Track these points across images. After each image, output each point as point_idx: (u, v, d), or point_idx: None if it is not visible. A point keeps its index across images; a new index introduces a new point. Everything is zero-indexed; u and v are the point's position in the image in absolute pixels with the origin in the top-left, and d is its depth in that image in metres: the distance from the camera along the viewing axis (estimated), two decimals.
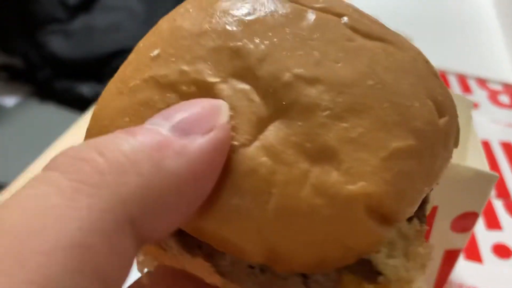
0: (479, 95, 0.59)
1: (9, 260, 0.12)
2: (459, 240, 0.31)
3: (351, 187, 0.16)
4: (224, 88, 0.18)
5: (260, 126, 0.17)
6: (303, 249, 0.16)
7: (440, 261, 0.32)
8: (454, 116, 0.19)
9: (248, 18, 0.19)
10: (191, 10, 0.20)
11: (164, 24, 0.20)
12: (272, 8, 0.19)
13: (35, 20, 1.38)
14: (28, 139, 1.17)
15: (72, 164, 0.14)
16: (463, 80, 0.62)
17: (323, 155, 0.16)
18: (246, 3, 0.19)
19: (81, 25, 1.39)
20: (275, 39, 0.18)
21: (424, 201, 0.20)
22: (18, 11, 1.36)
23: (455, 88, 0.60)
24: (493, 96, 0.59)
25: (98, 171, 0.14)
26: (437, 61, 0.64)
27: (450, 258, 0.32)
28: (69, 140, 0.55)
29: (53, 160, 0.14)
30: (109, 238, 0.13)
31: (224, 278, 0.19)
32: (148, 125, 0.16)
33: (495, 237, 0.40)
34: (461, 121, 0.19)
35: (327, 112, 0.17)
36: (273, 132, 0.17)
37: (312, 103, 0.17)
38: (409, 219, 0.19)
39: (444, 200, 0.28)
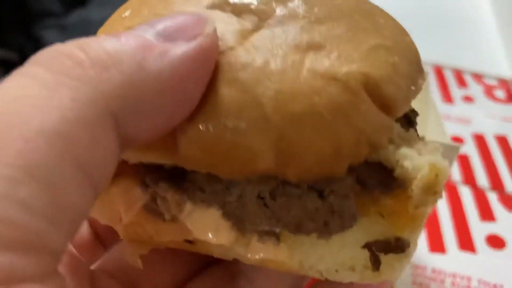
0: (474, 89, 0.59)
1: None
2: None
3: (346, 68, 0.17)
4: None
5: (244, 35, 0.17)
6: (314, 132, 0.16)
7: None
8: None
9: None
10: None
11: None
12: None
13: (30, 14, 1.38)
14: None
15: (55, 58, 0.14)
16: (459, 75, 0.62)
17: (311, 48, 0.17)
18: None
19: (77, 19, 1.38)
20: None
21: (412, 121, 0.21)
22: (14, 5, 1.36)
23: (451, 82, 0.60)
24: (489, 91, 0.59)
25: (81, 66, 0.14)
26: (434, 56, 0.65)
27: None
28: None
29: (36, 55, 0.14)
30: (91, 129, 0.13)
31: (234, 222, 0.18)
32: (133, 31, 0.16)
33: (489, 228, 0.40)
34: (419, 97, 0.20)
35: (306, 19, 0.18)
36: (259, 38, 0.17)
37: (290, 14, 0.18)
38: (406, 128, 0.19)
39: None
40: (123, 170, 0.19)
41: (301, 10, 0.18)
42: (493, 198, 0.43)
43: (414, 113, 0.21)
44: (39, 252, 0.12)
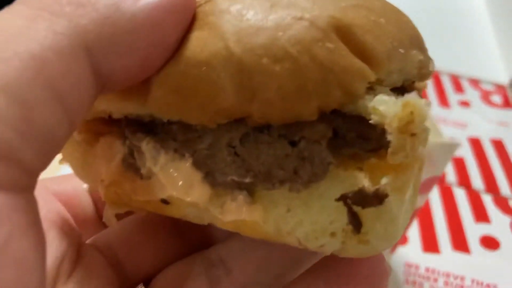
0: (471, 94, 0.60)
1: None
2: (421, 201, 0.33)
3: (316, 12, 0.17)
4: None
5: None
6: (272, 62, 0.16)
7: None
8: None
9: None
10: None
11: None
12: None
13: None
14: None
15: None
16: (456, 80, 0.62)
17: (286, 2, 0.17)
18: None
19: None
20: None
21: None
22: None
23: (447, 87, 0.61)
24: (485, 96, 0.59)
25: (58, 3, 0.15)
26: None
27: (411, 216, 0.34)
28: None
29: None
30: (65, 57, 0.14)
31: (204, 173, 0.18)
32: None
33: (484, 229, 0.41)
34: None
35: None
36: None
37: None
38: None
39: None
40: (106, 132, 0.20)
41: None
42: (488, 200, 0.43)
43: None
44: (9, 162, 0.12)
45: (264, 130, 0.18)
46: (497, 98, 0.59)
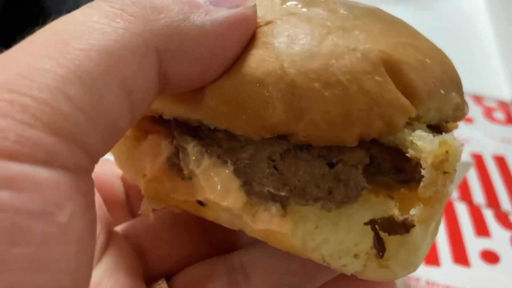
0: (474, 111, 0.61)
1: (55, 50, 0.14)
2: None
3: (369, 45, 0.18)
4: None
5: (283, 14, 0.19)
6: (324, 88, 0.17)
7: None
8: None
9: None
10: None
11: None
12: None
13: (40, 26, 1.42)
14: None
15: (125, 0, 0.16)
16: None
17: (342, 30, 0.18)
18: None
19: None
20: None
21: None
22: (30, 25, 1.40)
23: None
24: (488, 113, 0.60)
25: (137, 5, 0.16)
26: None
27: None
28: None
29: None
30: (138, 56, 0.15)
31: (243, 182, 0.19)
32: None
33: (484, 243, 0.41)
34: None
35: (345, 14, 0.19)
36: (296, 17, 0.19)
37: (331, 8, 0.20)
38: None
39: None
40: (153, 129, 0.21)
41: (342, 8, 0.20)
42: (488, 215, 0.44)
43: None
44: (76, 143, 0.14)
45: (304, 149, 0.19)
46: (500, 115, 0.60)
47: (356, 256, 0.19)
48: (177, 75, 0.17)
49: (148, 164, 0.21)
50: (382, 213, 0.19)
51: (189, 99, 0.19)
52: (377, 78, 0.17)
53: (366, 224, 0.18)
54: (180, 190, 0.20)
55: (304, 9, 0.20)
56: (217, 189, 0.19)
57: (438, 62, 0.20)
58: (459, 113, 0.21)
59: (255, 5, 0.19)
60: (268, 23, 0.19)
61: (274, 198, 0.19)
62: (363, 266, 0.19)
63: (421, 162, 0.17)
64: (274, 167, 0.19)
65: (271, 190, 0.19)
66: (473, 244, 0.41)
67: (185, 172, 0.20)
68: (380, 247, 0.18)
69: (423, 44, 0.20)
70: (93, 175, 0.26)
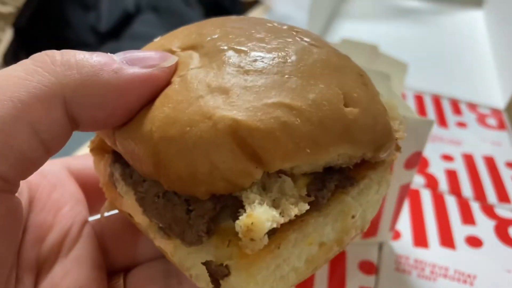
0: (468, 117, 0.65)
1: None
2: (409, 176, 0.38)
3: (226, 113, 0.19)
4: (180, 53, 0.24)
5: (185, 70, 0.22)
6: (176, 155, 0.20)
7: (397, 194, 0.38)
8: (367, 114, 0.21)
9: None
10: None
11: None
12: (252, 31, 0.24)
13: (67, 45, 1.48)
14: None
15: (40, 56, 0.20)
16: (455, 104, 0.68)
17: (219, 91, 0.20)
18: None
19: (109, 50, 1.47)
20: (232, 35, 0.23)
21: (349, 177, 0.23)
22: (53, 36, 1.45)
23: (447, 110, 0.66)
24: (481, 119, 0.65)
25: (53, 64, 0.20)
26: (432, 86, 0.71)
27: (403, 192, 0.39)
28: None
29: (34, 55, 0.21)
30: (45, 104, 0.19)
31: (142, 209, 0.23)
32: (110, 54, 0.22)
33: (469, 230, 0.45)
34: (396, 80, 0.24)
35: (239, 69, 0.21)
36: (194, 74, 0.22)
37: (231, 61, 0.22)
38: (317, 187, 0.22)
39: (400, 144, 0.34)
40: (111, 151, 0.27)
41: (242, 60, 0.22)
42: (475, 206, 0.49)
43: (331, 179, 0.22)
44: None
45: (176, 193, 0.22)
46: (492, 121, 0.64)
47: (205, 280, 0.22)
48: (84, 118, 0.21)
49: (101, 177, 0.27)
50: (217, 256, 0.21)
51: (105, 137, 0.24)
52: (220, 147, 0.19)
53: (203, 264, 0.21)
54: (118, 201, 0.25)
55: (210, 62, 0.22)
56: (131, 209, 0.24)
57: (320, 117, 0.20)
58: (371, 154, 0.22)
59: (170, 67, 0.22)
60: (180, 81, 0.22)
61: (164, 230, 0.23)
62: (205, 284, 0.22)
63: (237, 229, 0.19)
64: (156, 202, 0.22)
65: (155, 221, 0.22)
66: (459, 231, 0.45)
67: (118, 190, 0.25)
68: (215, 282, 0.21)
69: (308, 97, 0.20)
70: (79, 169, 0.30)
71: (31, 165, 0.20)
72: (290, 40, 0.23)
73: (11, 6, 1.12)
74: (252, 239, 0.19)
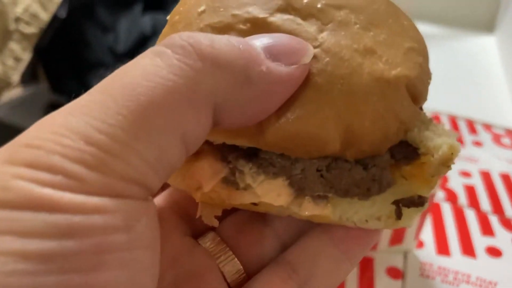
0: (484, 136, 0.68)
1: (126, 107, 0.16)
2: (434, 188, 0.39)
3: (394, 72, 0.21)
4: (274, 19, 0.21)
5: (314, 38, 0.21)
6: (372, 124, 0.20)
7: None
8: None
9: None
10: None
11: None
12: None
13: (85, 64, 1.51)
14: None
15: (183, 47, 0.17)
16: (470, 124, 0.71)
17: (367, 52, 0.21)
18: None
19: None
20: None
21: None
22: (71, 56, 1.48)
23: (463, 129, 0.69)
24: (497, 138, 0.67)
25: (202, 60, 0.17)
26: (449, 107, 0.74)
27: (429, 201, 0.40)
28: None
29: (170, 38, 0.18)
30: (197, 112, 0.17)
31: (295, 189, 0.22)
32: (248, 39, 0.19)
33: (489, 241, 0.48)
34: None
35: (357, 26, 0.22)
36: (326, 41, 0.21)
37: (345, 20, 0.21)
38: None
39: None
40: (204, 149, 0.23)
41: (351, 17, 0.22)
42: (494, 220, 0.51)
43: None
44: (141, 186, 0.16)
45: (344, 159, 0.22)
46: (507, 140, 0.67)
47: (378, 218, 0.23)
48: (227, 123, 0.19)
49: (205, 180, 0.23)
50: (401, 193, 0.23)
51: (246, 133, 0.21)
52: (404, 103, 0.21)
53: (392, 204, 0.23)
54: (236, 197, 0.23)
55: (324, 25, 0.21)
56: (271, 195, 0.22)
57: (424, 51, 0.23)
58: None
59: (309, 62, 0.20)
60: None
61: (320, 196, 0.22)
62: (383, 224, 0.23)
63: (433, 160, 0.21)
64: (321, 176, 0.22)
65: (321, 193, 0.22)
66: (479, 241, 0.47)
67: (241, 185, 0.22)
68: (399, 215, 0.23)
69: (412, 35, 0.23)
70: None
71: (173, 172, 0.18)
72: None
73: (34, 27, 1.16)
74: (448, 166, 0.21)
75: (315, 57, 0.20)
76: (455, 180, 0.57)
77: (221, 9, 0.21)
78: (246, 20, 0.21)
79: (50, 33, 1.21)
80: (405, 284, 0.42)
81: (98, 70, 1.52)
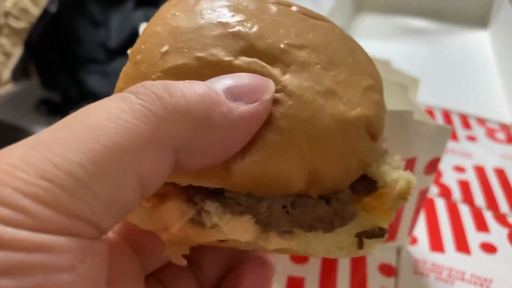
0: (477, 131, 0.67)
1: (86, 145, 0.16)
2: (428, 181, 0.39)
3: (354, 112, 0.22)
4: (238, 63, 0.21)
5: (278, 81, 0.21)
6: (334, 164, 0.21)
7: (416, 199, 0.40)
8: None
9: (232, 11, 0.22)
10: (177, 14, 0.23)
11: (158, 27, 0.23)
12: (244, 4, 0.23)
13: (77, 61, 1.50)
14: None
15: (147, 94, 0.18)
16: (464, 119, 0.70)
17: (328, 93, 0.21)
18: (222, 1, 0.23)
19: (119, 66, 1.49)
20: (260, 23, 0.22)
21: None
22: (63, 52, 1.47)
23: (457, 124, 0.68)
24: (490, 133, 0.67)
25: (164, 107, 0.18)
26: (442, 102, 0.73)
27: (422, 197, 0.40)
28: None
29: (134, 87, 0.18)
30: (156, 155, 0.17)
31: (262, 226, 0.22)
32: (207, 82, 0.19)
33: (483, 237, 0.47)
34: (409, 94, 0.26)
35: (318, 66, 0.22)
36: (289, 84, 0.21)
37: (306, 61, 0.22)
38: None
39: (420, 151, 0.36)
40: (169, 190, 0.23)
41: (312, 56, 0.22)
42: (488, 215, 0.50)
43: None
44: (92, 224, 0.16)
45: (307, 196, 0.22)
46: (501, 135, 0.66)
47: (341, 248, 0.23)
48: (190, 165, 0.19)
49: (172, 222, 0.22)
50: (363, 225, 0.23)
51: (212, 175, 0.21)
52: (364, 142, 0.22)
53: (355, 236, 0.23)
54: (203, 235, 0.23)
55: (287, 67, 0.22)
56: (238, 232, 0.22)
57: (380, 87, 0.24)
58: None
59: (271, 98, 0.20)
60: (275, 103, 0.21)
61: (285, 231, 0.23)
62: (346, 253, 0.24)
63: (390, 194, 0.22)
64: (287, 212, 0.22)
65: (286, 228, 0.22)
66: (474, 237, 0.47)
67: (208, 225, 0.22)
68: (360, 245, 0.23)
69: (369, 73, 0.24)
70: None
71: (127, 213, 0.18)
72: (308, 21, 0.24)
73: (24, 22, 1.14)
74: (406, 198, 0.22)
75: (278, 101, 0.21)
76: (449, 175, 0.57)
77: (185, 50, 0.21)
78: (211, 64, 0.21)
79: (41, 28, 1.19)
80: (398, 281, 0.41)
81: (89, 66, 1.51)
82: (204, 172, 0.20)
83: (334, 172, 0.21)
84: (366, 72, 0.24)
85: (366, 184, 0.23)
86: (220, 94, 0.19)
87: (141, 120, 0.17)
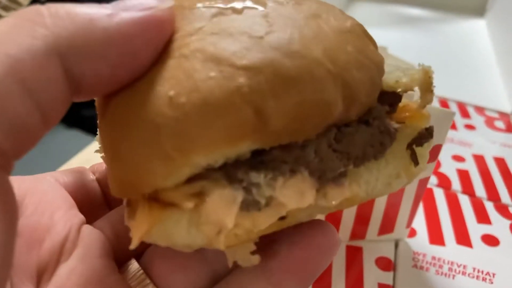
0: (476, 119, 0.65)
1: None
2: (429, 170, 0.37)
3: (347, 23, 0.21)
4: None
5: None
6: (358, 72, 0.20)
7: (415, 189, 0.38)
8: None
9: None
10: None
11: None
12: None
13: None
14: (54, 161, 1.22)
15: (26, 12, 0.17)
16: (462, 107, 0.68)
17: (314, 16, 0.21)
18: None
19: None
20: None
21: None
22: None
23: (455, 112, 0.66)
24: (490, 122, 0.65)
25: (40, 15, 0.17)
26: (441, 90, 0.71)
27: (422, 186, 0.38)
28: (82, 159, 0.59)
29: (18, 11, 0.18)
30: (38, 58, 0.16)
31: (317, 178, 0.20)
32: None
33: (485, 229, 0.45)
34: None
35: (292, 2, 0.21)
36: (275, 10, 0.21)
37: (279, 1, 0.21)
38: None
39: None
40: (204, 186, 0.19)
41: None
42: (489, 206, 0.48)
43: None
44: None
45: (345, 125, 0.21)
46: (500, 124, 0.64)
47: (398, 175, 0.23)
48: (86, 75, 0.18)
49: (225, 216, 0.19)
50: (407, 137, 0.23)
51: (246, 134, 0.18)
52: (370, 47, 0.21)
53: (407, 149, 0.23)
54: (261, 220, 0.20)
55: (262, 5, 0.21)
56: (296, 198, 0.19)
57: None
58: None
59: (170, 8, 0.19)
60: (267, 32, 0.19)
61: (337, 176, 0.21)
62: (405, 179, 0.23)
63: (414, 90, 0.22)
64: (334, 150, 0.20)
65: (342, 169, 0.21)
66: (475, 229, 0.45)
67: (262, 202, 0.19)
68: (415, 159, 0.23)
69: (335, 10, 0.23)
70: (67, 183, 0.27)
71: (28, 135, 0.16)
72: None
73: (13, 12, 1.11)
74: (431, 90, 0.23)
75: (272, 28, 0.20)
76: (447, 164, 0.54)
77: None
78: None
79: None
80: (396, 276, 0.39)
81: None
82: (237, 133, 0.18)
83: (361, 80, 0.20)
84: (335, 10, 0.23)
85: (389, 96, 0.23)
86: (106, 6, 0.18)
87: (18, 28, 0.16)
